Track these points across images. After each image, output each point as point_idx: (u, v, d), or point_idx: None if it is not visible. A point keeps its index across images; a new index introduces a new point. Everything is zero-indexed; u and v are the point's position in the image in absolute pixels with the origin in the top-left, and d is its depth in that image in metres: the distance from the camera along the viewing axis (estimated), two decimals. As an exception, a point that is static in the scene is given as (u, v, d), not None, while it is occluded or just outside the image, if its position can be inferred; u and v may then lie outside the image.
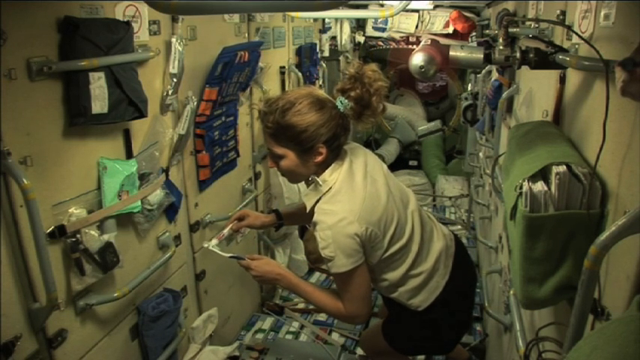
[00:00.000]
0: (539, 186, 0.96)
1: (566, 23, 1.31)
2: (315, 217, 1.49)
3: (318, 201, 1.53)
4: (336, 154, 1.55)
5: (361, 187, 1.50)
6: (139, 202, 1.63)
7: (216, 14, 2.17)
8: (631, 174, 0.82)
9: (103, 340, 1.59)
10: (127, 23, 1.50)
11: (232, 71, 2.20)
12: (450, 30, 4.92)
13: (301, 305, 2.97)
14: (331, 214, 1.46)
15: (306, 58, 3.35)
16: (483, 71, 3.21)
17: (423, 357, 2.36)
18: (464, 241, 3.75)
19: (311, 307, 2.87)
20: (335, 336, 2.65)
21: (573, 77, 1.26)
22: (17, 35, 1.17)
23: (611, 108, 0.86)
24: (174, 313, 1.89)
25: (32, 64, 1.22)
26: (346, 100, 1.51)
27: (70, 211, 1.39)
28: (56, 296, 1.29)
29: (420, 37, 4.99)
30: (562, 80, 1.33)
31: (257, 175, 2.84)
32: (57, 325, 1.38)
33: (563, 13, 1.36)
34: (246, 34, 2.53)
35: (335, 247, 1.45)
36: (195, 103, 1.98)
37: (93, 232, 1.44)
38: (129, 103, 1.50)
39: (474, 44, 3.53)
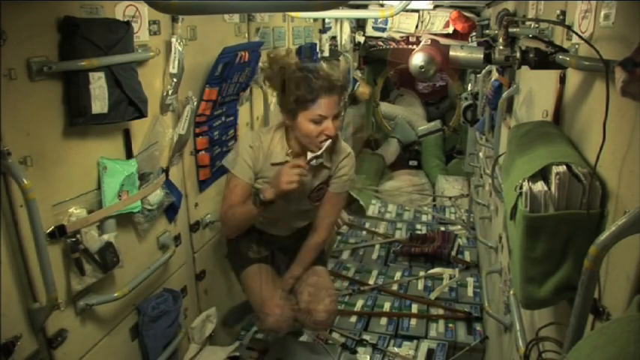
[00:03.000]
0: (539, 186, 0.96)
1: (566, 23, 1.31)
2: (345, 152, 2.05)
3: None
4: None
5: None
6: (139, 202, 1.63)
7: (216, 14, 2.17)
8: (631, 174, 0.82)
9: (103, 340, 1.59)
10: (127, 23, 1.50)
11: (232, 71, 2.20)
12: (450, 30, 4.92)
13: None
14: (349, 148, 2.09)
15: (306, 58, 3.34)
16: (483, 71, 3.20)
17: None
18: (464, 241, 3.75)
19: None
20: (335, 335, 2.65)
21: (573, 77, 1.26)
22: (17, 35, 1.17)
23: (611, 108, 0.86)
24: (174, 313, 1.89)
25: (32, 64, 1.22)
26: None
27: (70, 211, 1.39)
28: (56, 296, 1.29)
29: (420, 37, 4.98)
30: (562, 80, 1.33)
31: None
32: (57, 325, 1.38)
33: (563, 13, 1.35)
34: (246, 34, 2.53)
35: (353, 169, 2.09)
36: (195, 103, 1.98)
37: (93, 232, 1.44)
38: (129, 103, 1.50)
39: (474, 44, 3.53)
